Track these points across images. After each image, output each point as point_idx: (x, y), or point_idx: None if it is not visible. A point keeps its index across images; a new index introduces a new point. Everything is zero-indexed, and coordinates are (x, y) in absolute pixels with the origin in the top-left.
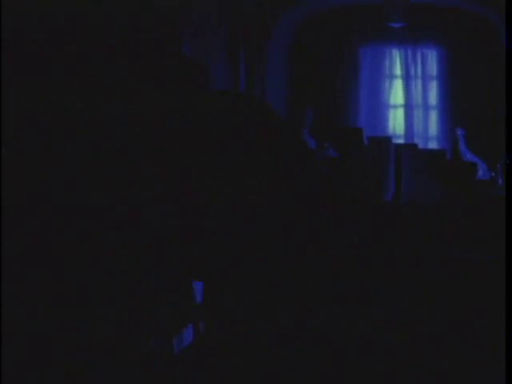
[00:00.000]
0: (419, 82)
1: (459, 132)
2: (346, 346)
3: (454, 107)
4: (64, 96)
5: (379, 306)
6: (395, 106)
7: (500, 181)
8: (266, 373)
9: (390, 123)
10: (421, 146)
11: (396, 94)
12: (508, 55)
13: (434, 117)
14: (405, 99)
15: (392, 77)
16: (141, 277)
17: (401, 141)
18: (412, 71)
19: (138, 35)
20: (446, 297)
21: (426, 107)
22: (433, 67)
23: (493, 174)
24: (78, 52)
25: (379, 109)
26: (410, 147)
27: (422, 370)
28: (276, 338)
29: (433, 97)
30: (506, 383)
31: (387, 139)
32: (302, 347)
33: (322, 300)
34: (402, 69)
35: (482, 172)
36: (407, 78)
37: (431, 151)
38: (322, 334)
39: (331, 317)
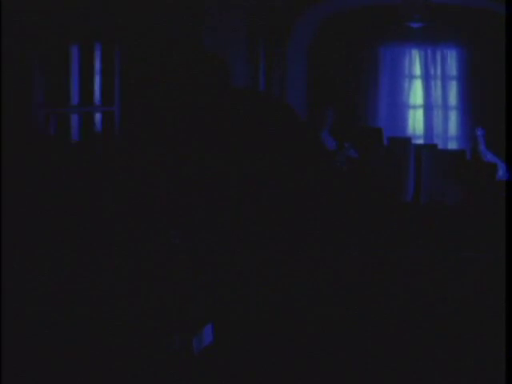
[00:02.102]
0: (439, 82)
1: (479, 132)
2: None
3: (473, 107)
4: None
5: (392, 305)
6: (415, 106)
7: None
8: (283, 373)
9: (410, 123)
10: (440, 146)
11: (416, 94)
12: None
13: (453, 117)
14: (424, 99)
15: (412, 77)
16: (162, 277)
17: (420, 141)
18: (432, 71)
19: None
20: (461, 295)
21: (446, 107)
22: (452, 67)
23: None
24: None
25: (399, 109)
26: (429, 147)
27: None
28: (293, 339)
29: (452, 97)
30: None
31: (407, 139)
32: (321, 348)
33: (341, 300)
34: (421, 69)
35: (501, 172)
36: (427, 78)
37: (451, 151)
38: (341, 334)
39: (344, 316)
